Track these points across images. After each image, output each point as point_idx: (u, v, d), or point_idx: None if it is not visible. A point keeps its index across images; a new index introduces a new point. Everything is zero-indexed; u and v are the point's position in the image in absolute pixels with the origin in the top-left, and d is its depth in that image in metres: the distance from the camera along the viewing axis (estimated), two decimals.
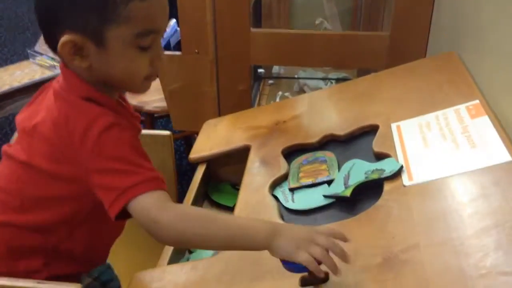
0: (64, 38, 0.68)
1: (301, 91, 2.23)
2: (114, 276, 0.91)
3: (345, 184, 0.83)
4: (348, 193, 0.78)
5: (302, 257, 0.60)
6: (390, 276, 0.62)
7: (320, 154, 0.95)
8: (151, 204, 0.67)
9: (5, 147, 0.81)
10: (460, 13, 1.14)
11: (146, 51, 0.71)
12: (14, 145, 0.80)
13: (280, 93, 2.25)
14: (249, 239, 0.65)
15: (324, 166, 0.92)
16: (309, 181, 0.88)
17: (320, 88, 2.15)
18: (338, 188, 0.83)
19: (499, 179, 0.70)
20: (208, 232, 0.66)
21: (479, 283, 0.57)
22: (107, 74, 0.72)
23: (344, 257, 0.61)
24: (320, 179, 0.87)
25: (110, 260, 0.92)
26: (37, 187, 0.76)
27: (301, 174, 0.91)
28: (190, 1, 1.38)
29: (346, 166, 0.87)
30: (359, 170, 0.84)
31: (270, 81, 2.36)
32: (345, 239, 0.63)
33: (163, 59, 0.75)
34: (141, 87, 0.76)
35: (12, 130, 2.65)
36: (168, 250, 0.84)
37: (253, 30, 1.44)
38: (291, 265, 0.62)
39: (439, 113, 0.89)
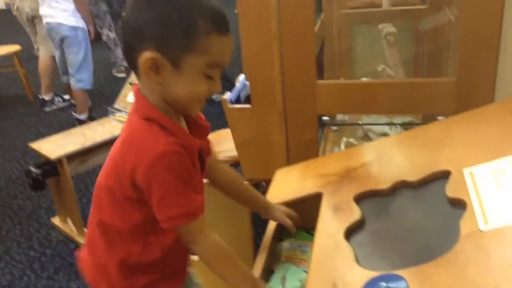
0: (148, 54, 0.78)
1: (366, 136, 2.25)
2: None
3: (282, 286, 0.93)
4: None
5: None
6: None
7: (302, 242, 1.03)
8: (192, 229, 0.85)
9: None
10: None
11: (208, 80, 0.82)
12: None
13: (344, 139, 2.28)
14: (238, 284, 0.88)
15: (304, 256, 1.02)
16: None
17: (385, 133, 2.16)
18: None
19: None
20: (223, 269, 0.88)
21: None
22: (171, 92, 0.82)
23: None
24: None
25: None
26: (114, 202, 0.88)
27: (282, 258, 1.00)
28: (258, 56, 1.47)
29: (283, 267, 0.98)
30: (294, 276, 0.95)
31: (334, 128, 2.40)
32: None
33: (219, 89, 0.85)
34: (194, 109, 0.87)
35: (93, 182, 2.85)
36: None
37: (319, 81, 1.51)
38: None
39: None
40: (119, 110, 2.57)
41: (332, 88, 1.51)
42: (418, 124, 1.94)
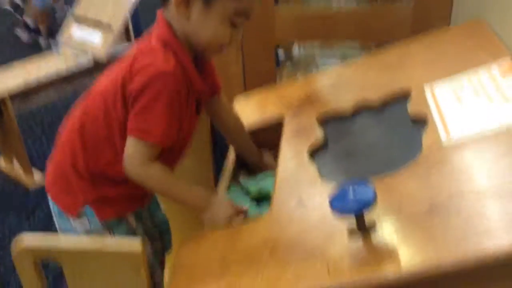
0: None
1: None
2: (169, 229, 1.07)
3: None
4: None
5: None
6: (437, 221, 0.65)
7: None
8: (137, 153, 0.84)
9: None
10: None
11: (232, 27, 0.84)
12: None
13: (299, 75, 2.27)
14: (189, 202, 0.91)
15: None
16: None
17: None
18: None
19: None
20: (163, 191, 0.92)
21: None
22: (196, 30, 0.84)
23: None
24: None
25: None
26: (102, 101, 0.88)
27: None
28: None
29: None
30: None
31: (288, 64, 2.38)
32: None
33: (238, 41, 0.89)
34: (213, 52, 0.89)
35: (37, 124, 2.72)
36: None
37: (276, 7, 1.47)
38: (340, 211, 0.65)
39: (471, 73, 0.92)
40: (63, 43, 2.42)
41: (290, 16, 1.48)
42: None
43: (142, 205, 0.99)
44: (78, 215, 0.92)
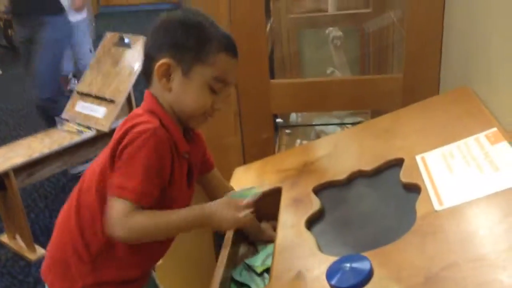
0: (164, 60, 0.88)
1: (318, 138, 2.30)
2: None
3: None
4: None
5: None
6: None
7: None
8: (117, 211, 0.82)
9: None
10: (468, 50, 1.21)
11: (213, 94, 0.90)
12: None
13: (298, 141, 2.32)
14: (191, 225, 0.89)
15: None
16: None
17: None
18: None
19: None
20: (158, 233, 0.87)
21: None
22: (178, 100, 0.89)
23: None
24: None
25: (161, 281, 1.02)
26: (97, 179, 0.90)
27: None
28: None
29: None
30: None
31: (287, 131, 2.44)
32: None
33: (221, 108, 0.92)
34: (196, 121, 0.93)
35: (41, 196, 2.74)
36: (216, 284, 0.89)
37: (272, 81, 1.53)
38: (337, 286, 0.66)
39: (460, 142, 0.95)
40: (67, 120, 2.49)
41: (285, 87, 1.54)
42: None
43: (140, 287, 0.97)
44: None
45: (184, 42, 0.88)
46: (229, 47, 0.90)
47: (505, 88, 1.00)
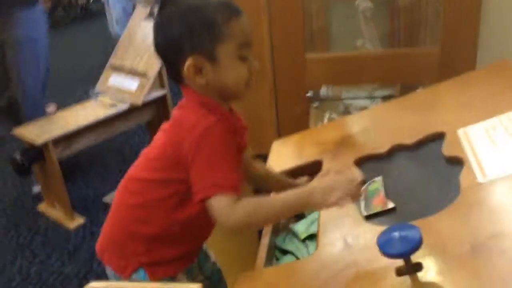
0: (188, 63, 0.86)
1: (347, 111, 2.31)
2: (223, 279, 1.03)
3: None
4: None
5: (334, 203, 0.84)
6: (480, 261, 0.69)
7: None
8: (222, 207, 0.84)
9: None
10: (508, 22, 1.21)
11: (244, 61, 0.88)
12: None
13: (327, 114, 2.33)
14: (295, 207, 0.88)
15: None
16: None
17: (365, 107, 2.23)
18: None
19: None
20: (266, 217, 0.88)
21: None
22: (219, 84, 0.88)
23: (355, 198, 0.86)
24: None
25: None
26: (153, 168, 0.92)
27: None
28: None
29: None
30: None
31: (315, 104, 2.45)
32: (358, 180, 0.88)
33: (257, 67, 0.91)
34: (243, 93, 0.92)
35: (77, 168, 2.83)
36: (262, 254, 0.93)
37: (307, 55, 1.55)
38: (390, 255, 0.69)
39: (503, 116, 0.96)
40: (101, 93, 2.55)
41: (320, 61, 1.56)
42: (396, 97, 2.01)
43: (192, 261, 1.00)
44: (131, 278, 0.94)
45: (194, 34, 0.86)
46: (232, 11, 0.88)
47: None
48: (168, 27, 0.88)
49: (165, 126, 0.95)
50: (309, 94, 2.38)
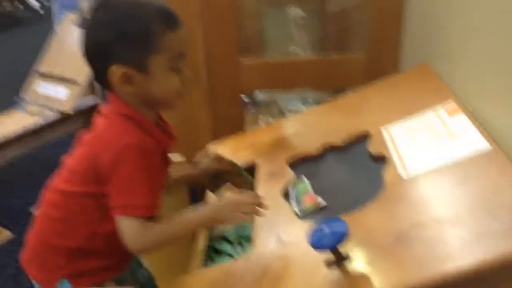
0: (116, 71, 0.83)
1: (281, 114, 2.36)
2: (155, 285, 1.01)
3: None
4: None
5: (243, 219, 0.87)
6: (402, 249, 0.73)
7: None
8: (131, 231, 0.83)
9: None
10: (428, 28, 1.30)
11: (177, 73, 0.86)
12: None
13: (262, 118, 2.37)
14: (203, 226, 0.95)
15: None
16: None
17: (299, 111, 2.29)
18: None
19: (482, 163, 0.83)
20: (176, 238, 0.87)
21: (475, 245, 0.69)
22: (149, 94, 0.86)
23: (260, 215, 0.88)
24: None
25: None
26: (76, 182, 0.88)
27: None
28: None
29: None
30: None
31: (252, 109, 2.49)
32: (262, 204, 0.88)
33: (191, 78, 0.90)
34: (175, 103, 0.90)
35: (2, 180, 2.68)
36: (197, 255, 0.94)
37: (241, 60, 1.57)
38: (317, 246, 0.72)
39: (422, 115, 1.03)
40: (27, 101, 2.45)
41: (254, 66, 1.58)
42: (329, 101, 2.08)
43: (122, 270, 0.97)
44: None
45: (126, 42, 0.82)
46: (171, 22, 0.85)
47: (462, 64, 1.09)
48: (99, 31, 0.84)
49: (85, 136, 0.91)
50: (244, 98, 2.42)
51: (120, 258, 0.95)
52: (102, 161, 0.83)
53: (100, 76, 0.86)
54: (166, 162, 0.95)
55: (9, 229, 2.23)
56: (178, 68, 0.86)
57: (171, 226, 0.86)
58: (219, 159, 1.10)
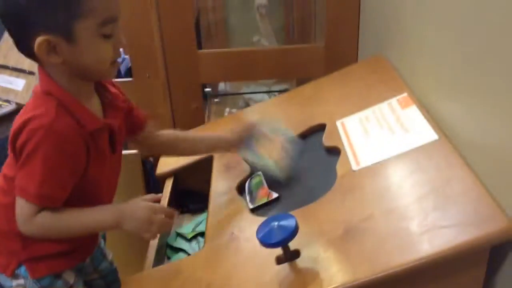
0: (39, 40, 0.75)
1: (247, 106, 2.35)
2: (118, 278, 0.99)
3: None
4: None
5: (146, 237, 0.83)
6: (351, 243, 0.73)
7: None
8: (22, 213, 0.81)
9: None
10: (383, 19, 1.30)
11: (108, 39, 0.79)
12: None
13: (227, 109, 2.35)
14: (101, 227, 0.88)
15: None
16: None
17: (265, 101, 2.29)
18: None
19: (431, 155, 0.84)
20: (68, 233, 0.85)
21: (423, 237, 0.69)
22: (79, 65, 0.79)
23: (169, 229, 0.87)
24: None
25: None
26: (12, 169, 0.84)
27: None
28: (136, 28, 1.46)
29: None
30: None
31: (216, 100, 2.46)
32: (173, 215, 0.86)
33: (123, 44, 0.83)
34: (108, 72, 0.84)
35: None
36: (151, 255, 0.92)
37: (199, 51, 1.55)
38: (267, 244, 0.72)
39: (375, 107, 1.03)
40: None
41: (212, 57, 1.56)
42: None
43: (83, 259, 0.95)
44: (14, 276, 0.89)
45: (45, 6, 0.75)
46: None
47: (415, 55, 1.09)
48: None
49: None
50: (207, 90, 2.39)
51: (77, 243, 0.91)
52: (19, 139, 0.78)
53: (24, 47, 0.79)
54: (112, 140, 0.89)
55: None
56: (110, 34, 0.79)
57: (65, 220, 0.82)
58: (252, 125, 1.07)
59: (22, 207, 0.80)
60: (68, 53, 0.77)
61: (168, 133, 1.06)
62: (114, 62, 0.83)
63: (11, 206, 0.85)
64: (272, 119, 1.04)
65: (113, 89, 0.91)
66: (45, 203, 0.80)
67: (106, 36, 0.79)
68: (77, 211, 0.83)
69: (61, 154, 0.78)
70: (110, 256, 1.06)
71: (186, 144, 1.06)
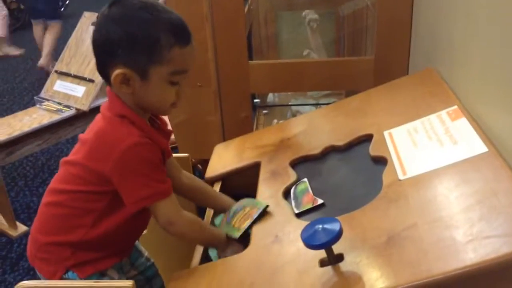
0: (118, 71, 0.85)
1: (294, 117, 2.38)
2: (157, 273, 1.04)
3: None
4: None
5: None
6: (394, 250, 0.74)
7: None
8: (167, 211, 0.90)
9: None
10: (434, 34, 1.30)
11: (175, 85, 0.89)
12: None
13: (275, 121, 2.39)
14: (214, 245, 1.00)
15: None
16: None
17: None
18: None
19: (479, 167, 0.83)
20: (198, 238, 0.99)
21: (468, 246, 0.69)
22: (144, 99, 0.90)
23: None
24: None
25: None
26: (76, 182, 0.92)
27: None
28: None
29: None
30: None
31: (265, 111, 2.51)
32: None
33: (187, 92, 0.94)
34: (166, 112, 0.97)
35: (20, 175, 2.76)
36: (197, 253, 0.96)
37: (250, 62, 1.59)
38: (311, 246, 0.74)
39: (424, 119, 1.03)
40: (46, 99, 2.51)
41: (263, 68, 1.60)
42: None
43: (121, 258, 1.01)
44: (62, 278, 0.94)
45: (132, 45, 0.84)
46: (181, 37, 0.86)
47: (465, 69, 1.09)
48: (110, 27, 0.85)
49: (84, 136, 0.93)
50: (256, 101, 2.44)
51: (121, 247, 0.99)
52: (104, 163, 0.86)
53: (103, 71, 0.89)
54: (165, 161, 0.97)
55: (25, 224, 2.29)
56: (176, 82, 0.89)
57: (198, 226, 0.96)
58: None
59: (163, 207, 0.90)
60: (138, 87, 0.87)
61: (185, 179, 1.10)
62: (174, 104, 0.92)
63: (64, 217, 0.93)
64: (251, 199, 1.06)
65: (161, 116, 1.01)
66: (170, 192, 0.90)
67: (173, 83, 0.89)
68: (207, 226, 1.00)
69: (155, 161, 0.89)
70: (145, 252, 1.12)
71: (196, 194, 1.12)
